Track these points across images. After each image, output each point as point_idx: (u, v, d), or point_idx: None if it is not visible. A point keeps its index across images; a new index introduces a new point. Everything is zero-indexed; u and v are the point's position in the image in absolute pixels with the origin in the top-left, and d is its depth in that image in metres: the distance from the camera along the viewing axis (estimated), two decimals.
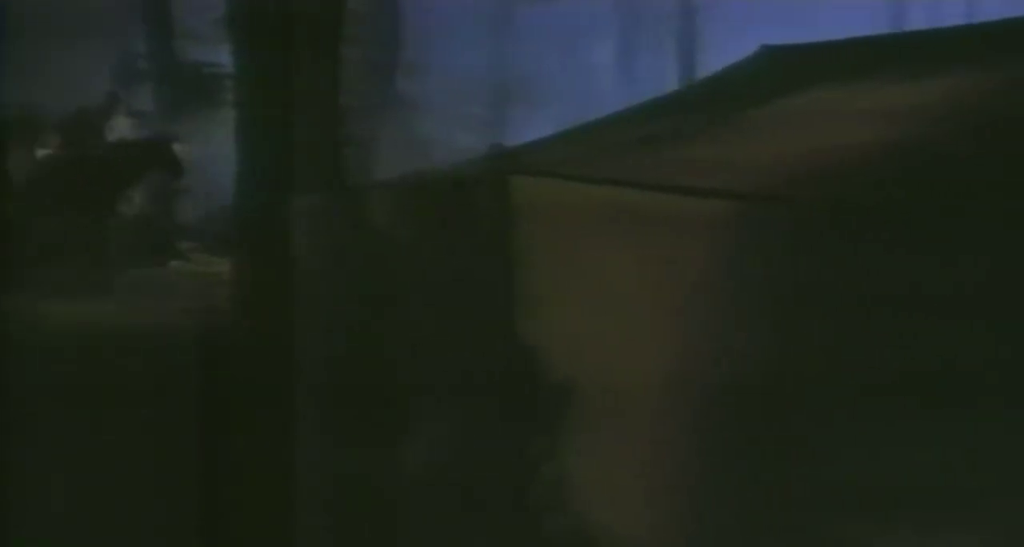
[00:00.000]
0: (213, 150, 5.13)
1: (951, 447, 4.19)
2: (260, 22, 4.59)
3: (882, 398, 4.23)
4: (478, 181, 4.43)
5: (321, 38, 4.73)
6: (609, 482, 4.51)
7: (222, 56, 4.95)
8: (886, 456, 4.23)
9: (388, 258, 4.56)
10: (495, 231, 4.37)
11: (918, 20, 6.05)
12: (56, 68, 5.42)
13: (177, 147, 5.36)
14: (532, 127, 5.82)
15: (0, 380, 4.74)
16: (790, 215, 4.37)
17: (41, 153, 5.46)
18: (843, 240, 4.34)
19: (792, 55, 4.98)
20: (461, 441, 4.42)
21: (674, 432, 4.35)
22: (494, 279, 4.36)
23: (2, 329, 4.81)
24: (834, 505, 4.28)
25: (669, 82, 5.89)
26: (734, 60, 5.18)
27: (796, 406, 4.30)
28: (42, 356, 4.81)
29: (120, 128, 5.51)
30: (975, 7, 5.91)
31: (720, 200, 4.29)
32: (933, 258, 4.41)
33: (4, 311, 4.86)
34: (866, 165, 4.51)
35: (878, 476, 4.29)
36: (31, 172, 5.42)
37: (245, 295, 4.63)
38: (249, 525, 4.68)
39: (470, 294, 4.41)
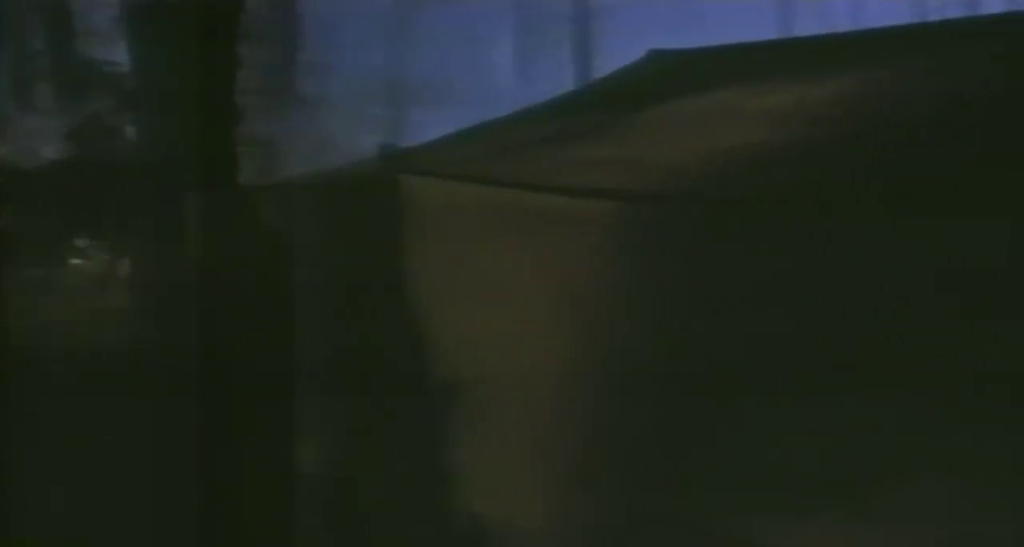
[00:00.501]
0: (111, 148, 5.19)
1: (829, 435, 4.36)
2: (157, 19, 4.66)
3: (764, 390, 4.38)
4: (370, 181, 4.54)
5: (219, 35, 4.80)
6: (507, 477, 4.63)
7: (121, 53, 5.02)
8: (768, 445, 4.39)
9: (283, 258, 4.66)
10: (387, 231, 4.48)
11: (807, 26, 6.20)
12: None
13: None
14: (434, 127, 5.92)
15: None
16: (675, 214, 4.53)
17: None
18: (726, 238, 4.49)
19: (680, 59, 5.12)
20: (352, 440, 4.53)
21: (567, 428, 4.48)
22: (387, 279, 4.47)
23: None
24: (722, 495, 4.43)
25: (567, 83, 6.01)
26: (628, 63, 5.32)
27: (684, 400, 4.45)
28: None
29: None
30: (861, 13, 6.08)
31: (607, 200, 4.43)
32: (815, 255, 4.57)
33: None
34: (750, 166, 4.66)
35: (764, 465, 4.44)
36: None
37: (144, 294, 4.71)
38: None
39: (363, 294, 4.52)
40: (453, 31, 5.99)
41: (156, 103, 4.72)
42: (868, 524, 4.27)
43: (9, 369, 4.72)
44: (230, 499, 4.67)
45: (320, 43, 5.79)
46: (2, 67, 5.44)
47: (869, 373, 4.33)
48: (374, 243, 4.52)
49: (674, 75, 5.04)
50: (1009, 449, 4.22)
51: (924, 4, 6.28)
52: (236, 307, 4.61)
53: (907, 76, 4.97)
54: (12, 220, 5.07)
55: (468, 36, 5.97)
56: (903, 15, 6.09)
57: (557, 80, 6.00)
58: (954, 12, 6.15)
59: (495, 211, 4.49)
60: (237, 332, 4.58)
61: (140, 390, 4.66)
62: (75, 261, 5.36)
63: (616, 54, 5.94)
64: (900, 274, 4.45)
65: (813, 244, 4.50)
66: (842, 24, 6.06)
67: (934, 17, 5.98)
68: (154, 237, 4.65)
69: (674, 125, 4.81)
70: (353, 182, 4.61)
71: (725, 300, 4.40)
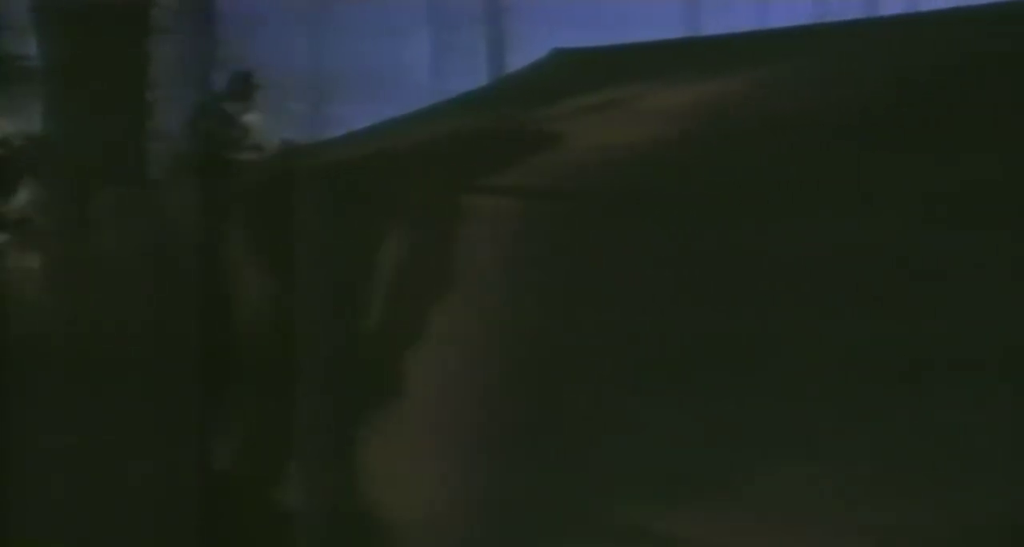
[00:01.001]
0: (21, 143, 5.27)
1: (706, 427, 4.52)
2: (70, 12, 4.73)
3: (645, 383, 4.54)
4: (274, 176, 4.67)
5: (132, 30, 4.89)
6: (403, 471, 4.75)
7: (32, 47, 5.09)
8: (650, 437, 4.54)
9: (188, 252, 4.77)
10: (287, 225, 4.61)
11: (713, 25, 6.35)
12: None
13: None
14: (351, 122, 6.03)
15: None
16: (571, 210, 4.69)
17: None
18: (616, 235, 4.65)
19: (584, 57, 5.28)
20: (248, 433, 4.64)
21: (462, 422, 4.62)
22: (288, 274, 4.59)
23: None
24: (608, 484, 4.58)
25: (481, 80, 6.14)
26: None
27: (570, 392, 4.60)
28: None
29: None
30: (766, 12, 6.23)
31: (503, 196, 4.58)
32: (704, 252, 4.73)
33: None
34: (645, 163, 4.83)
35: (652, 459, 4.60)
36: None
37: (52, 288, 4.79)
38: None
39: (266, 289, 4.64)
40: (370, 27, 6.12)
41: (69, 97, 4.80)
42: (743, 513, 4.42)
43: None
44: None
45: (238, 38, 5.90)
46: None
47: (745, 367, 4.49)
48: (272, 237, 4.64)
49: (577, 73, 5.19)
50: (874, 440, 4.39)
51: (826, 4, 6.43)
52: (142, 299, 4.71)
53: (804, 76, 5.13)
54: None
55: (384, 32, 6.10)
56: (806, 15, 6.23)
57: (472, 76, 6.13)
58: (855, 12, 6.29)
59: (391, 205, 4.64)
60: (135, 322, 4.69)
61: None
62: None
63: (531, 51, 6.09)
64: (780, 271, 4.62)
65: (702, 241, 4.67)
66: (747, 24, 6.21)
67: (835, 17, 6.13)
68: (60, 232, 4.74)
69: (574, 122, 4.97)
70: (255, 177, 4.73)
71: (614, 296, 4.55)
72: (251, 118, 5.52)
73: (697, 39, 5.71)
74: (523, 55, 6.16)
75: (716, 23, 6.47)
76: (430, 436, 4.62)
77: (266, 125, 5.69)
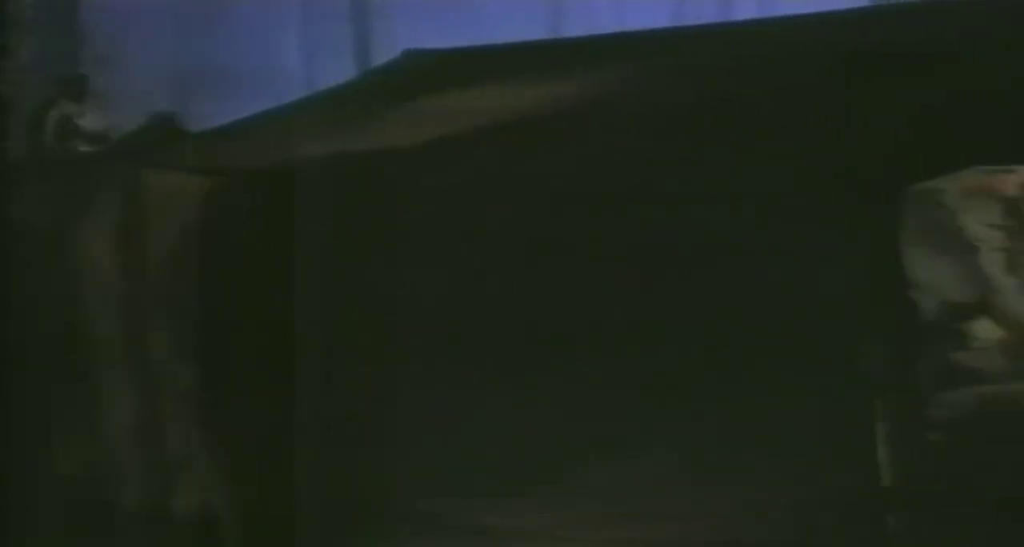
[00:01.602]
0: None
1: (532, 420, 4.68)
2: None
3: (463, 376, 4.70)
4: (110, 174, 4.79)
5: None
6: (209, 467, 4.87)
7: None
8: (473, 429, 4.70)
9: (30, 248, 4.89)
10: (125, 222, 4.73)
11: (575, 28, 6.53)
12: None
13: None
14: (217, 120, 6.17)
15: None
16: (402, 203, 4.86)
17: None
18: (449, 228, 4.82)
19: (434, 58, 5.42)
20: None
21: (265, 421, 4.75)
22: (123, 270, 4.72)
23: None
24: (427, 476, 4.73)
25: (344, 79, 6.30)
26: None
27: (394, 384, 4.76)
28: None
29: None
30: (625, 16, 6.40)
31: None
32: (533, 247, 4.90)
33: None
34: (478, 156, 4.98)
35: (469, 448, 4.75)
36: None
37: None
38: None
39: (99, 284, 4.76)
40: (240, 27, 6.27)
41: None
42: (565, 502, 4.58)
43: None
44: None
45: (107, 36, 6.05)
46: None
47: (568, 362, 4.65)
48: (110, 234, 4.77)
49: (426, 73, 5.34)
50: (688, 432, 4.56)
51: (682, 8, 6.61)
52: None
53: (653, 77, 5.26)
54: None
55: (254, 32, 6.26)
56: (662, 19, 6.41)
57: (341, 76, 6.30)
58: (710, 16, 6.47)
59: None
60: None
61: None
62: None
63: (394, 52, 6.23)
64: (607, 265, 4.80)
65: (533, 240, 4.84)
66: (606, 26, 6.36)
67: (691, 21, 6.29)
68: None
69: (414, 120, 5.12)
70: (96, 174, 4.85)
71: (427, 292, 4.71)
72: (92, 118, 5.64)
73: (548, 41, 5.87)
74: (391, 55, 6.29)
75: (577, 25, 6.64)
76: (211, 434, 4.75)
77: (133, 122, 5.82)
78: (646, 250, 4.77)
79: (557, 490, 4.58)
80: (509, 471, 4.61)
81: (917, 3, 5.76)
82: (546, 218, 5.00)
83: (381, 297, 4.78)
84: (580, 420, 4.59)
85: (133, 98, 6.00)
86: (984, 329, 5.02)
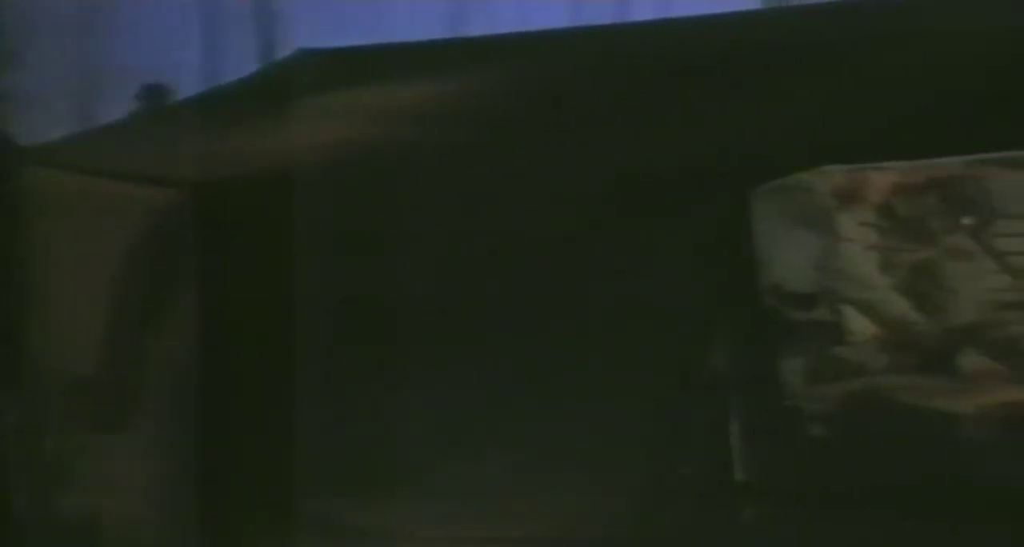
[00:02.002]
0: None
1: (400, 419, 4.79)
2: None
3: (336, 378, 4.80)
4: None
5: None
6: (115, 474, 4.95)
7: None
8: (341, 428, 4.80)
9: None
10: (11, 223, 4.81)
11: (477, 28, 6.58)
12: None
13: None
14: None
15: None
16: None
17: None
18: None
19: (326, 57, 5.51)
20: None
21: (161, 424, 4.83)
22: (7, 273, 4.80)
23: None
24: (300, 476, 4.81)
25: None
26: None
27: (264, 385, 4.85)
28: None
29: None
30: (527, 16, 6.46)
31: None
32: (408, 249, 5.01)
33: None
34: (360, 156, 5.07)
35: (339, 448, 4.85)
36: None
37: None
38: None
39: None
40: (142, 28, 6.30)
41: None
42: (434, 501, 4.68)
43: None
44: None
45: (9, 35, 6.06)
46: None
47: (427, 363, 4.76)
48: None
49: (318, 73, 5.43)
50: (570, 432, 4.67)
51: (581, 9, 6.65)
52: None
53: (555, 76, 5.35)
54: None
55: (156, 33, 6.28)
56: (562, 19, 6.45)
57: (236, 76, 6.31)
58: (609, 16, 6.52)
59: (111, 202, 4.87)
60: None
61: None
62: None
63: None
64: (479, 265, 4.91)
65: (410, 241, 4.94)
66: (508, 25, 6.41)
67: (590, 21, 6.34)
68: None
69: (304, 119, 5.22)
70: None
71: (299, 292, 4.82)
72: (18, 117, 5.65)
73: (440, 41, 5.95)
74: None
75: (479, 25, 6.68)
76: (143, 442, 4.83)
77: (35, 123, 5.83)
78: (503, 251, 4.87)
79: (418, 490, 4.67)
80: (373, 472, 4.70)
81: (807, 5, 5.86)
82: (421, 216, 5.09)
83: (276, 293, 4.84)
84: (439, 420, 4.68)
85: (34, 98, 6.00)
86: (860, 325, 5.13)
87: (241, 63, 6.37)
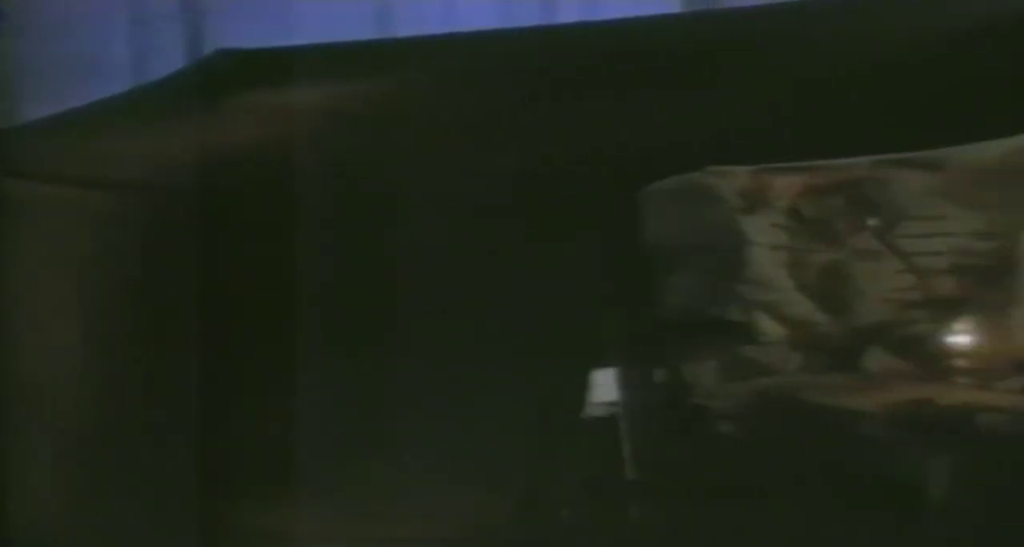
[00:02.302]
0: None
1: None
2: None
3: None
4: None
5: None
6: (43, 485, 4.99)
7: None
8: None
9: None
10: None
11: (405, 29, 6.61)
12: None
13: None
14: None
15: None
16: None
17: None
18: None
19: (244, 58, 5.55)
20: None
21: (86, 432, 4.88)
22: None
23: None
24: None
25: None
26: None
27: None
28: None
29: None
30: (454, 17, 6.50)
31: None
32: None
33: None
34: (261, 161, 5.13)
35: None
36: None
37: None
38: None
39: None
40: (66, 27, 6.31)
41: None
42: (330, 502, 4.73)
43: None
44: None
45: None
46: None
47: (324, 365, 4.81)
48: None
49: (235, 73, 5.47)
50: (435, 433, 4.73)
51: (509, 10, 6.69)
52: None
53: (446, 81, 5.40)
54: None
55: (80, 32, 6.31)
56: (491, 21, 6.49)
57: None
58: (535, 17, 6.56)
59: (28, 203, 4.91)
60: None
61: None
62: None
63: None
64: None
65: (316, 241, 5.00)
66: (435, 26, 6.44)
67: (518, 22, 6.37)
68: None
69: (218, 119, 5.27)
70: None
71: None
72: None
73: (360, 42, 5.99)
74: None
75: (406, 25, 6.72)
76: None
77: None
78: (400, 254, 4.92)
79: (316, 491, 4.72)
80: (271, 473, 4.75)
81: (725, 9, 5.90)
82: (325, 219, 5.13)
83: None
84: (333, 422, 4.73)
85: None
86: (769, 326, 5.18)
87: (169, 63, 6.39)
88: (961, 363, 4.87)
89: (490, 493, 4.62)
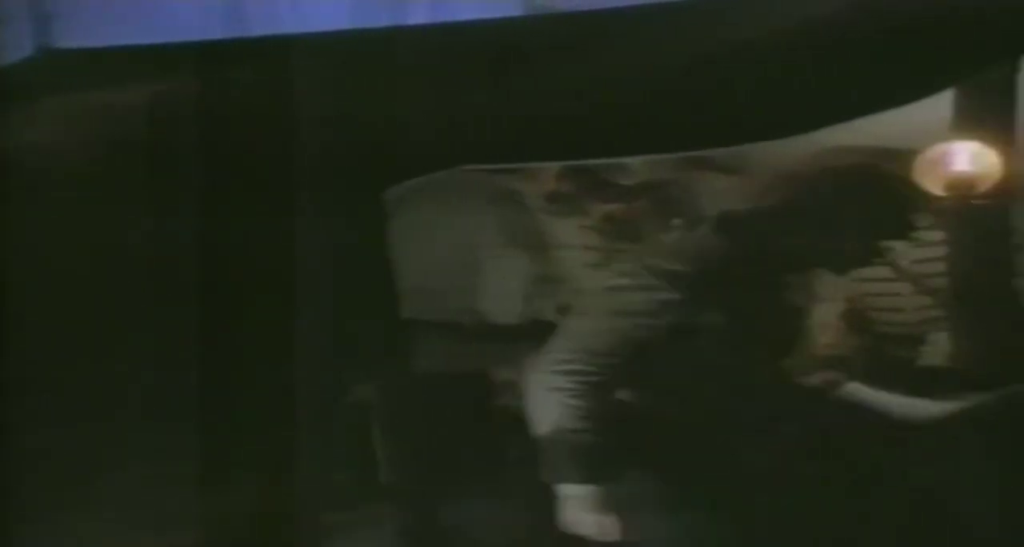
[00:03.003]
0: None
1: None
2: None
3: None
4: None
5: None
6: None
7: None
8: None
9: None
10: None
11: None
12: None
13: None
14: None
15: None
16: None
17: None
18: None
19: (69, 57, 5.53)
20: None
21: None
22: None
23: None
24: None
25: None
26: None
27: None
28: None
29: None
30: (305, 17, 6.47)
31: None
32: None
33: None
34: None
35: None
36: None
37: None
38: None
39: None
40: None
41: None
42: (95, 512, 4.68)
43: None
44: None
45: None
46: None
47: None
48: None
49: (59, 73, 5.45)
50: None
51: (363, 10, 6.65)
52: None
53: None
54: None
55: None
56: (342, 21, 6.46)
57: None
58: (385, 19, 6.52)
59: None
60: None
61: None
62: None
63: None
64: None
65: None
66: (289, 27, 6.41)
67: (368, 22, 6.34)
68: None
69: (38, 119, 5.24)
70: None
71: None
72: None
73: (195, 42, 5.96)
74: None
75: (258, 25, 6.69)
76: None
77: None
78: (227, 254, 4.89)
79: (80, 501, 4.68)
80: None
81: (566, 12, 5.85)
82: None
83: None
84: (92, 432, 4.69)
85: None
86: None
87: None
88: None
89: (255, 498, 4.59)
